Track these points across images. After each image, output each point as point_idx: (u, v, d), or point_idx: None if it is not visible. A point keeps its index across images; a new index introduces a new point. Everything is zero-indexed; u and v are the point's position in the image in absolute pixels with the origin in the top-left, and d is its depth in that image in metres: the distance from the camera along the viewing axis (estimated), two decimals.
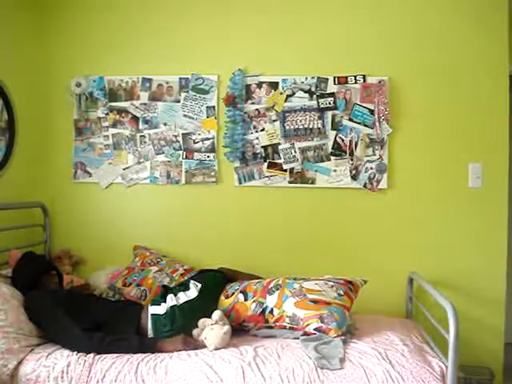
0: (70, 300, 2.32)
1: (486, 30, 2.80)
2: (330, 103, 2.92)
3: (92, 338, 2.10)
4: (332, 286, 2.38)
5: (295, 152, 2.94)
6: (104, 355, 2.05)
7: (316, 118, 2.93)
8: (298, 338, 2.23)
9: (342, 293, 2.35)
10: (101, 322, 2.25)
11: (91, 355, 2.04)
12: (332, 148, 2.92)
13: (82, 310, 2.29)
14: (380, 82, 2.87)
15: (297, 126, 2.94)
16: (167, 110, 3.04)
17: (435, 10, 2.85)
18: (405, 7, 2.88)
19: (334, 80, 2.92)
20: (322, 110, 2.92)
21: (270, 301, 2.37)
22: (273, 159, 2.96)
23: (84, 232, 3.10)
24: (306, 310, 2.29)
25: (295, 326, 2.31)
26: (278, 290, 2.40)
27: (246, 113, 2.97)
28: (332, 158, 2.92)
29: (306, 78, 2.93)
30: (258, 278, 2.67)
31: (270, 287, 2.43)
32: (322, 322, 2.24)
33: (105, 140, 3.09)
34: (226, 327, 2.19)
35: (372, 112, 2.87)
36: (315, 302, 2.31)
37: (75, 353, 2.07)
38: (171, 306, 2.31)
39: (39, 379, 1.98)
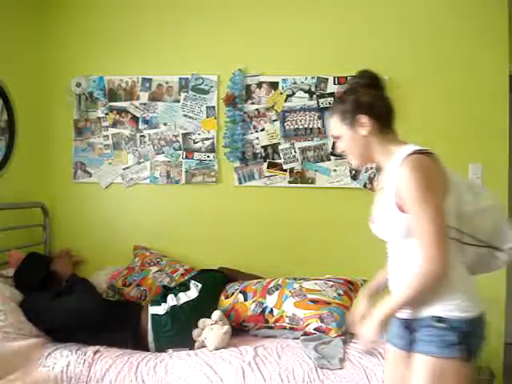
0: None
1: (486, 30, 2.80)
2: (329, 103, 2.91)
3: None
4: (332, 286, 2.39)
5: (295, 152, 2.94)
6: (104, 354, 2.05)
7: (316, 117, 2.93)
8: (298, 338, 2.24)
9: (341, 292, 2.36)
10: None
11: (91, 355, 2.05)
12: (332, 148, 2.92)
13: None
14: None
15: (297, 126, 2.94)
16: (167, 109, 3.04)
17: (435, 10, 2.85)
18: (405, 7, 2.88)
19: (334, 80, 2.91)
20: (321, 110, 2.92)
21: (270, 301, 2.37)
22: (273, 159, 2.96)
23: (84, 232, 3.10)
24: (305, 309, 2.29)
25: (295, 326, 2.30)
26: (277, 289, 2.40)
27: (245, 113, 2.96)
28: (332, 157, 2.92)
29: (306, 78, 2.93)
30: (258, 277, 2.67)
31: (269, 287, 2.43)
32: (321, 322, 2.24)
33: (105, 140, 3.08)
34: (226, 327, 2.19)
35: None
36: (315, 301, 2.31)
37: (75, 353, 2.07)
38: (171, 306, 2.31)
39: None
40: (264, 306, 2.38)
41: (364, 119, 1.51)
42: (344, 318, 2.25)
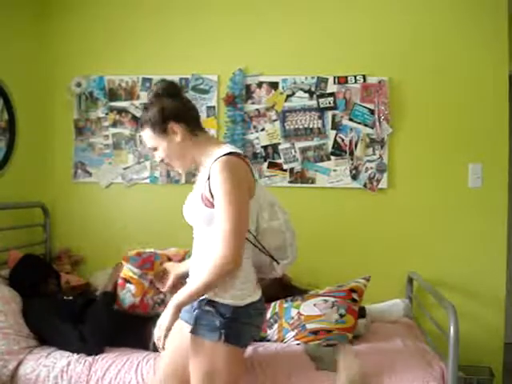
0: (68, 308, 2.29)
1: (486, 30, 2.80)
2: (329, 103, 2.92)
3: (87, 344, 2.08)
4: (333, 306, 2.24)
5: (295, 152, 2.94)
6: (104, 353, 2.05)
7: (316, 117, 2.93)
8: None
9: (343, 312, 2.22)
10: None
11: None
12: (332, 148, 2.92)
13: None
14: (380, 82, 2.87)
15: (297, 126, 2.94)
16: None
17: (435, 10, 2.85)
18: (405, 7, 2.88)
19: (334, 80, 2.92)
20: (321, 110, 2.92)
21: (272, 335, 2.25)
22: (273, 159, 2.96)
23: (84, 232, 3.10)
24: (306, 342, 2.17)
25: None
26: (276, 322, 2.26)
27: (245, 113, 2.97)
28: (332, 157, 2.92)
29: (306, 78, 2.93)
30: (300, 290, 2.49)
31: (268, 318, 2.27)
32: None
33: (105, 140, 3.09)
34: None
35: (372, 112, 2.88)
36: (315, 332, 2.18)
37: (75, 352, 2.07)
38: None
39: (39, 379, 1.98)
40: (267, 339, 2.24)
41: (174, 126, 1.61)
42: (345, 342, 2.16)
